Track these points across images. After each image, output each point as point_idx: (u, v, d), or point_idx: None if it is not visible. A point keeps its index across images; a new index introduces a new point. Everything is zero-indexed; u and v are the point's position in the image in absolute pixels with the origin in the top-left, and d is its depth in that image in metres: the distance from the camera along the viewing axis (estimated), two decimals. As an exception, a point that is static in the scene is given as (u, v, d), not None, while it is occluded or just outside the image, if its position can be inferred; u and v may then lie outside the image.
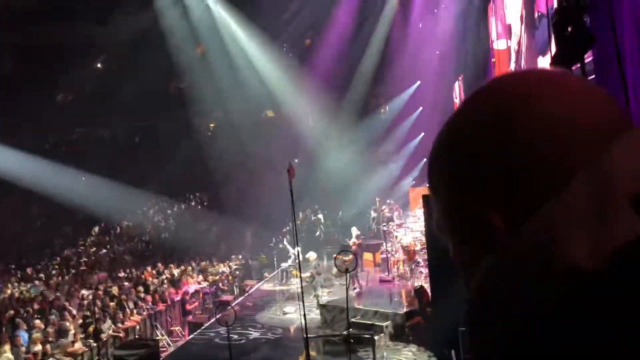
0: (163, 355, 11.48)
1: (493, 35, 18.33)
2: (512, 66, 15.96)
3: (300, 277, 11.87)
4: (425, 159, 26.30)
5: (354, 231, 16.85)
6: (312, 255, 14.30)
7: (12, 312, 13.03)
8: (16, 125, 24.59)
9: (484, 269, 0.55)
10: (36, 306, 13.76)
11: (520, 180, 0.56)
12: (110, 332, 12.09)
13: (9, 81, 24.42)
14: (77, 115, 28.78)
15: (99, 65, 28.00)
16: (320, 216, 25.52)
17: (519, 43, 15.09)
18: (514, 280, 0.52)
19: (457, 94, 24.38)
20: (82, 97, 28.57)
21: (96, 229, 25.52)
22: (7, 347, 9.88)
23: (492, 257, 0.55)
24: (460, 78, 23.35)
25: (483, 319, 0.53)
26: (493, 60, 18.40)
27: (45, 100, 28.00)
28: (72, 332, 11.47)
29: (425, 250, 11.74)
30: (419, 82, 26.76)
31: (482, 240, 0.59)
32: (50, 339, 10.92)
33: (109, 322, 12.27)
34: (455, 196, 0.62)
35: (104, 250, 23.07)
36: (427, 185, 0.68)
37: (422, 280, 12.82)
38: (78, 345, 11.16)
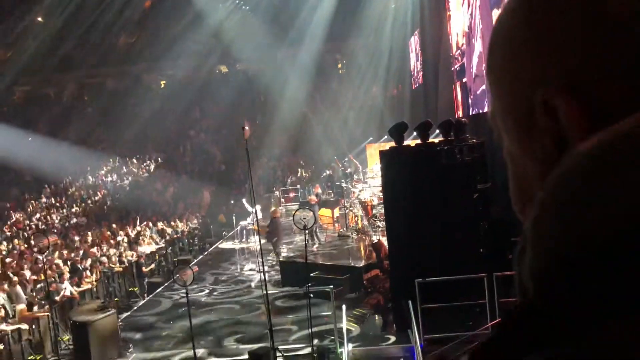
0: (122, 316, 11.38)
1: (449, -12, 18.24)
2: (467, 20, 16.00)
3: (259, 232, 11.89)
4: (382, 115, 26.39)
5: (315, 188, 16.94)
6: (273, 210, 14.33)
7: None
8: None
9: (558, 175, 0.42)
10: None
11: (622, 59, 0.42)
12: (67, 294, 11.86)
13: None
14: (18, 72, 27.25)
15: (39, 18, 26.34)
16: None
17: (474, -4, 15.07)
18: (591, 192, 0.40)
19: (413, 48, 24.35)
20: (22, 53, 27.00)
21: (47, 190, 24.66)
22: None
23: (569, 159, 0.42)
24: (416, 32, 23.28)
25: (545, 242, 0.41)
26: (449, 13, 18.38)
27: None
28: (25, 297, 11.19)
29: (383, 205, 11.91)
30: (375, 37, 26.54)
31: (545, 137, 0.45)
32: (3, 304, 10.62)
33: (64, 285, 12.01)
34: (516, 69, 0.48)
35: (56, 213, 22.41)
36: (487, 60, 0.54)
37: (379, 234, 13.07)
38: (34, 310, 10.91)
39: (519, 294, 0.44)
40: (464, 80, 16.97)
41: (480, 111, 15.33)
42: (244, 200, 17.11)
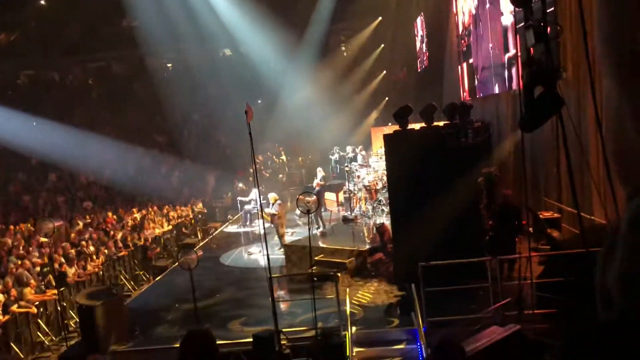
0: (128, 299, 11.49)
1: (454, -31, 17.95)
2: (474, 2, 15.76)
3: (263, 217, 11.91)
4: (387, 98, 26.32)
5: (319, 172, 16.89)
6: (273, 195, 14.31)
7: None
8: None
9: None
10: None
11: None
12: (76, 277, 11.97)
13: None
14: (22, 56, 27.21)
15: (42, 1, 26.18)
16: (283, 157, 25.44)
17: (480, -23, 14.83)
18: None
19: (419, 29, 24.08)
20: (26, 37, 26.91)
21: (52, 174, 24.76)
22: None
23: None
24: (421, 13, 23.00)
25: None
26: (454, -6, 18.12)
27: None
28: (32, 279, 11.28)
29: (387, 189, 11.89)
30: (380, 18, 26.26)
31: None
32: (11, 287, 10.71)
33: (72, 268, 12.12)
34: None
35: (61, 197, 22.52)
36: None
37: (383, 218, 13.07)
38: (41, 293, 11.02)
39: (600, 296, 0.39)
40: (470, 61, 16.77)
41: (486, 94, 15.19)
42: (255, 191, 17.08)
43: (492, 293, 7.68)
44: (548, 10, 8.21)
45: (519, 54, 11.39)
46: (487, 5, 14.21)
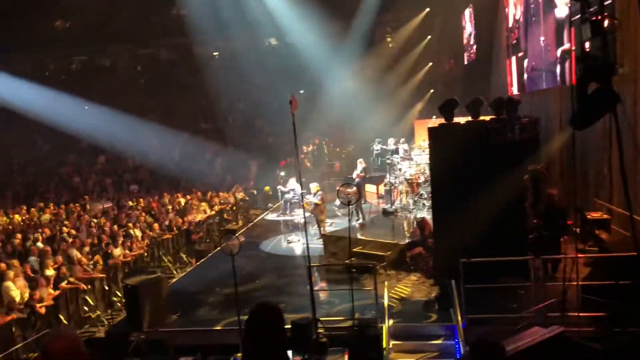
0: (170, 281, 11.81)
1: (507, -41, 17.44)
2: (526, -7, 15.27)
3: (304, 207, 12.04)
4: (432, 90, 25.93)
5: (360, 164, 16.85)
6: (315, 186, 14.36)
7: (19, 239, 13.34)
8: (12, 53, 24.15)
9: None
10: (46, 233, 14.06)
11: None
12: (121, 258, 12.39)
13: (3, 7, 23.67)
14: (76, 43, 28.17)
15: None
16: (325, 147, 25.49)
17: (534, -33, 14.35)
18: None
19: (467, 21, 23.56)
20: (80, 24, 27.81)
21: (101, 157, 25.66)
22: (10, 283, 9.86)
23: None
24: (470, 6, 22.48)
25: None
26: (506, -15, 17.61)
27: (42, 26, 27.30)
28: (81, 258, 11.75)
29: (429, 183, 11.76)
30: (427, 10, 25.82)
31: None
32: (61, 264, 11.19)
33: (118, 249, 12.55)
34: None
35: (110, 179, 23.30)
36: None
37: (424, 212, 12.94)
38: (90, 271, 11.47)
39: None
40: (520, 54, 16.31)
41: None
42: (293, 180, 17.22)
43: (534, 293, 7.52)
44: (605, 3, 7.85)
45: (574, 48, 11.01)
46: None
